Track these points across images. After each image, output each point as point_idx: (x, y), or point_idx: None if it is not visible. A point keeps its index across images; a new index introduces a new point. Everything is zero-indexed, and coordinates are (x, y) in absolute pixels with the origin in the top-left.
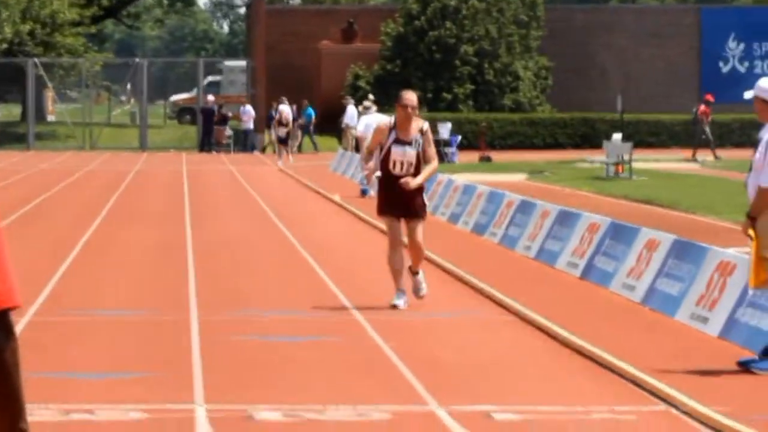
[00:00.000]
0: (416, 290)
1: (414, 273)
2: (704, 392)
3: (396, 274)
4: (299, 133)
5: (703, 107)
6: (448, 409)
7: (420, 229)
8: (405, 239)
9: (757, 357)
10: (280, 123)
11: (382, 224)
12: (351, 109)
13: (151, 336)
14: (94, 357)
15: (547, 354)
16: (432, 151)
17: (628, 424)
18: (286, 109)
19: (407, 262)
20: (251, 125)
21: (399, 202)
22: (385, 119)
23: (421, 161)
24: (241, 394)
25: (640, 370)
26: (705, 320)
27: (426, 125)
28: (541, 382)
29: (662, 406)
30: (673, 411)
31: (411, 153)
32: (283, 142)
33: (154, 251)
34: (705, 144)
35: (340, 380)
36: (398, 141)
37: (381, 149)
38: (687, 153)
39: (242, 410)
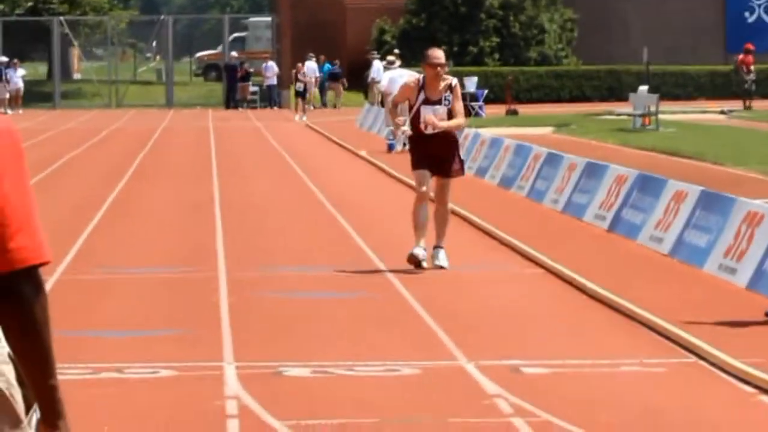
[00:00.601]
0: (435, 259)
1: (437, 247)
2: (733, 344)
3: (418, 228)
4: (340, 87)
5: (741, 56)
6: (477, 363)
7: (448, 188)
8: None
9: None
10: (297, 78)
11: (407, 179)
12: (377, 64)
13: (179, 293)
14: (122, 315)
15: (575, 307)
16: (460, 105)
17: (657, 376)
18: (309, 65)
19: (431, 217)
20: (275, 81)
21: (433, 159)
22: (413, 76)
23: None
24: (271, 351)
25: (668, 322)
26: (733, 271)
27: (455, 81)
28: (570, 336)
29: (691, 358)
30: (702, 363)
31: (441, 112)
32: (301, 96)
33: (181, 208)
34: (745, 93)
35: (369, 336)
36: (427, 101)
37: (410, 108)
38: (713, 104)
39: (272, 367)
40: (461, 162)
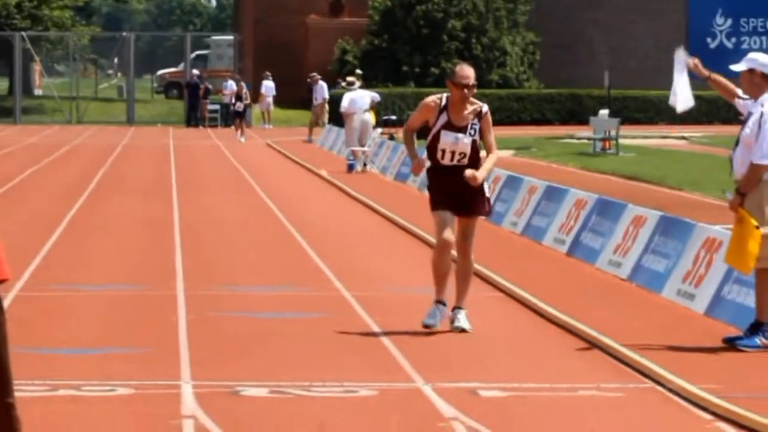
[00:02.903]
0: (453, 321)
1: (457, 308)
2: (690, 369)
3: (439, 279)
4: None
5: None
6: (434, 386)
7: (473, 233)
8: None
9: (743, 334)
10: (238, 98)
11: (367, 199)
12: (322, 84)
13: (137, 311)
14: (80, 332)
15: (533, 331)
16: (492, 138)
17: (614, 401)
18: (266, 85)
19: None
20: (232, 99)
21: (456, 196)
22: (373, 96)
23: (476, 151)
24: (228, 370)
25: (626, 347)
26: (691, 297)
27: (485, 108)
28: (528, 359)
29: (648, 384)
30: (660, 388)
31: (464, 141)
32: (239, 116)
33: (141, 226)
34: None
35: (327, 357)
36: (449, 126)
37: (428, 131)
38: (673, 129)
39: (229, 386)
40: (487, 199)
